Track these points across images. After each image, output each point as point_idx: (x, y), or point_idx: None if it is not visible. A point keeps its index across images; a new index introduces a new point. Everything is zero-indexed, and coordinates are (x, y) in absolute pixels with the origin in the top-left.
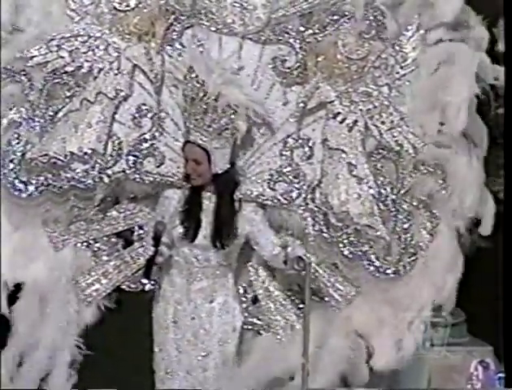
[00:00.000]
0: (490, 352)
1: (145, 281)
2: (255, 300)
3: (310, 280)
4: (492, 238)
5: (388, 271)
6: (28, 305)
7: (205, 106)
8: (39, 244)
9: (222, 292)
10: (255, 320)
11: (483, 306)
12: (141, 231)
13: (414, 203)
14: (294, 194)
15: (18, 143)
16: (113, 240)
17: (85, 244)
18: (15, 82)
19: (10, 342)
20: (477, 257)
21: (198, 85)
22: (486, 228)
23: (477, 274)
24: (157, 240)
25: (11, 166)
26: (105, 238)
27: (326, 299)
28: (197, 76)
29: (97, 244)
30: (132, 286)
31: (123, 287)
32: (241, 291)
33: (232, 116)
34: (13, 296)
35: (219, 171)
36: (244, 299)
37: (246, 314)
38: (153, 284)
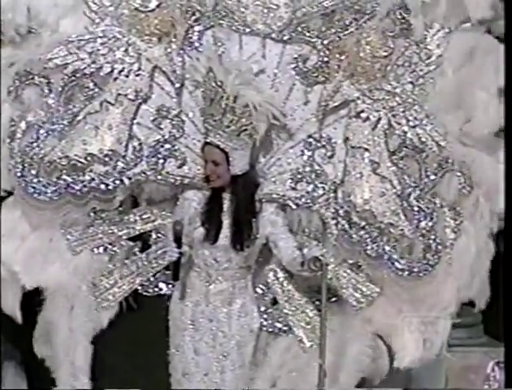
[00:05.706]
0: None
1: (162, 285)
2: (274, 302)
3: (328, 281)
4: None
5: (412, 270)
6: (47, 308)
7: (223, 107)
8: (56, 247)
9: (240, 294)
10: (274, 322)
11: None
12: (159, 235)
13: (438, 201)
14: (316, 194)
15: (37, 146)
16: (130, 243)
17: (102, 247)
18: (34, 85)
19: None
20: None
21: (216, 86)
22: None
23: (495, 274)
24: (178, 240)
25: (31, 168)
26: (122, 242)
27: (346, 299)
28: (215, 77)
29: (114, 248)
30: (150, 290)
31: (141, 290)
32: (260, 292)
33: (251, 117)
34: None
35: (239, 173)
36: (263, 301)
37: (265, 316)
38: (170, 288)
